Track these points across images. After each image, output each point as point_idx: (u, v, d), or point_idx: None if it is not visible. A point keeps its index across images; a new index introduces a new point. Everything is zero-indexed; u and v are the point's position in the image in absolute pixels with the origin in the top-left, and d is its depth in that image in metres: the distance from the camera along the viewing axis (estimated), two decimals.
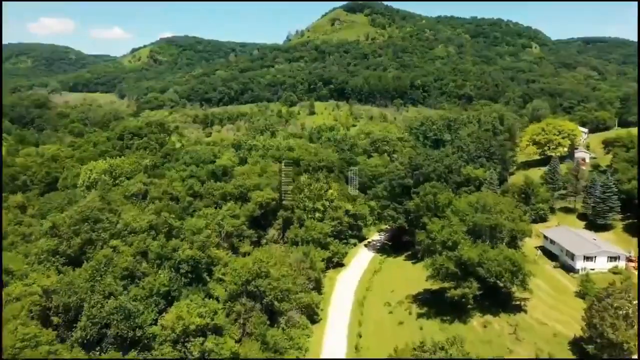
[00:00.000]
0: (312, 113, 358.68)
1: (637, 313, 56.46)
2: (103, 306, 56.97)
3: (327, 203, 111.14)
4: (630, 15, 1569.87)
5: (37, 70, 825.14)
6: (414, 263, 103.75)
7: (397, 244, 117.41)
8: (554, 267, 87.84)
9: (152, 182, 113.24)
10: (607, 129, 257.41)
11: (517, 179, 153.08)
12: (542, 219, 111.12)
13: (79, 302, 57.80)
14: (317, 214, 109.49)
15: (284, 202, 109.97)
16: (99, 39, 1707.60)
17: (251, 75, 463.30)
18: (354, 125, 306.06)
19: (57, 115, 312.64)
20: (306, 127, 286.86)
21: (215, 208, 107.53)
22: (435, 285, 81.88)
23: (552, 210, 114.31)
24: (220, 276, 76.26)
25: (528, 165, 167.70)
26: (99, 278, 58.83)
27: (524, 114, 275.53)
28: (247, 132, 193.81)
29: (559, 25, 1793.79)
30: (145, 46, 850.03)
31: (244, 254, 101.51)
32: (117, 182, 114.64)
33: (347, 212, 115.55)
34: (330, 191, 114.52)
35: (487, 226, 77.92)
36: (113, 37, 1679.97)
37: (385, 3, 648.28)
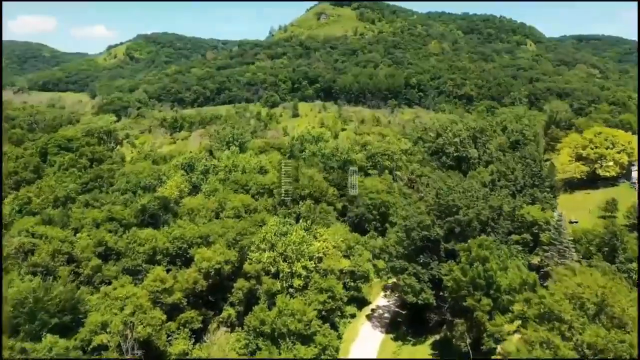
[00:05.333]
0: (295, 115, 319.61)
1: None
2: None
3: (311, 264, 72.80)
4: (624, 12, 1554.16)
5: (9, 69, 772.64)
6: None
7: (414, 316, 79.99)
8: None
9: (44, 234, 73.77)
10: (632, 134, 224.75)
11: (562, 209, 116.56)
12: (633, 284, 74.45)
13: None
14: (297, 282, 71.22)
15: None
16: (81, 37, 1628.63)
17: (229, 73, 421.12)
18: (343, 129, 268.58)
19: None
20: (289, 131, 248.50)
21: (136, 278, 68.84)
22: None
23: None
24: None
25: (570, 186, 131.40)
26: None
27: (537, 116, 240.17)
28: (210, 143, 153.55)
29: (551, 23, 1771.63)
30: (122, 43, 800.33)
31: (179, 358, 63.39)
32: None
33: (341, 271, 77.76)
34: (317, 244, 75.98)
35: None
36: (97, 36, 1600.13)
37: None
